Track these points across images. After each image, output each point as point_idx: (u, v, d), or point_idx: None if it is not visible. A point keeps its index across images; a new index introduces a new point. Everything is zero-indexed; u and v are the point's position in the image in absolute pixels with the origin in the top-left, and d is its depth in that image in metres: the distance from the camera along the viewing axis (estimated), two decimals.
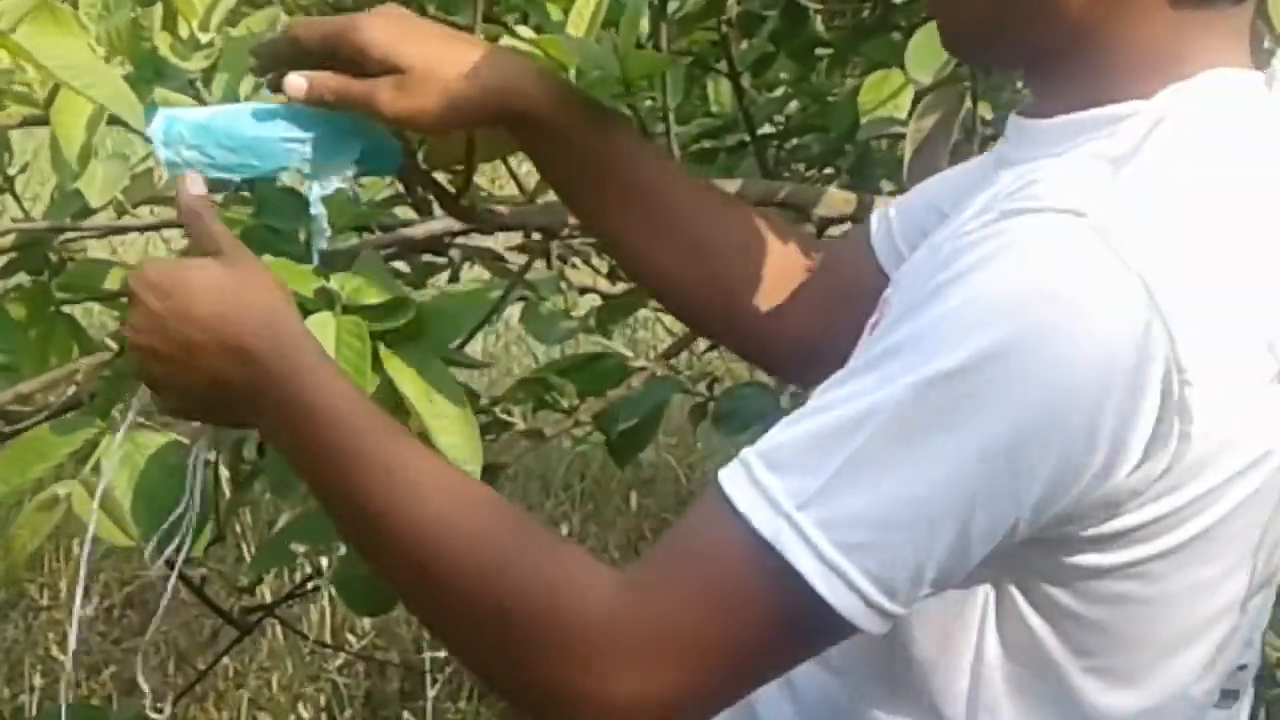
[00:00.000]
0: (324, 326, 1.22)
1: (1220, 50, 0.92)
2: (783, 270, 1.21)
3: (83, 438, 1.35)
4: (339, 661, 3.05)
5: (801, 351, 1.20)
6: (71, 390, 1.48)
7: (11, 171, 1.51)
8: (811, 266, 1.22)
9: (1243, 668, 1.02)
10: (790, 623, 0.86)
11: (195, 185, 1.13)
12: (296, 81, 1.14)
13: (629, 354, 1.74)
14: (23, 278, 1.56)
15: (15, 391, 1.38)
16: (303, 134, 1.18)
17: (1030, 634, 0.93)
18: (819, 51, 2.16)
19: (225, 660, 2.97)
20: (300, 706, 3.00)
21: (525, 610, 0.89)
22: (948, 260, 0.85)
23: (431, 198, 1.45)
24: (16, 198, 1.51)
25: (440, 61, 1.13)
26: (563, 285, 1.76)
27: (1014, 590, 0.92)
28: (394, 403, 1.22)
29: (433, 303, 1.48)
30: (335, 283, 1.26)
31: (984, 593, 0.93)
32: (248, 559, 3.12)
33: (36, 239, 1.49)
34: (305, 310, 1.26)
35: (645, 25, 1.57)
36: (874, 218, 1.20)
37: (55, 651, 3.09)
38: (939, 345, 0.83)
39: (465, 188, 1.38)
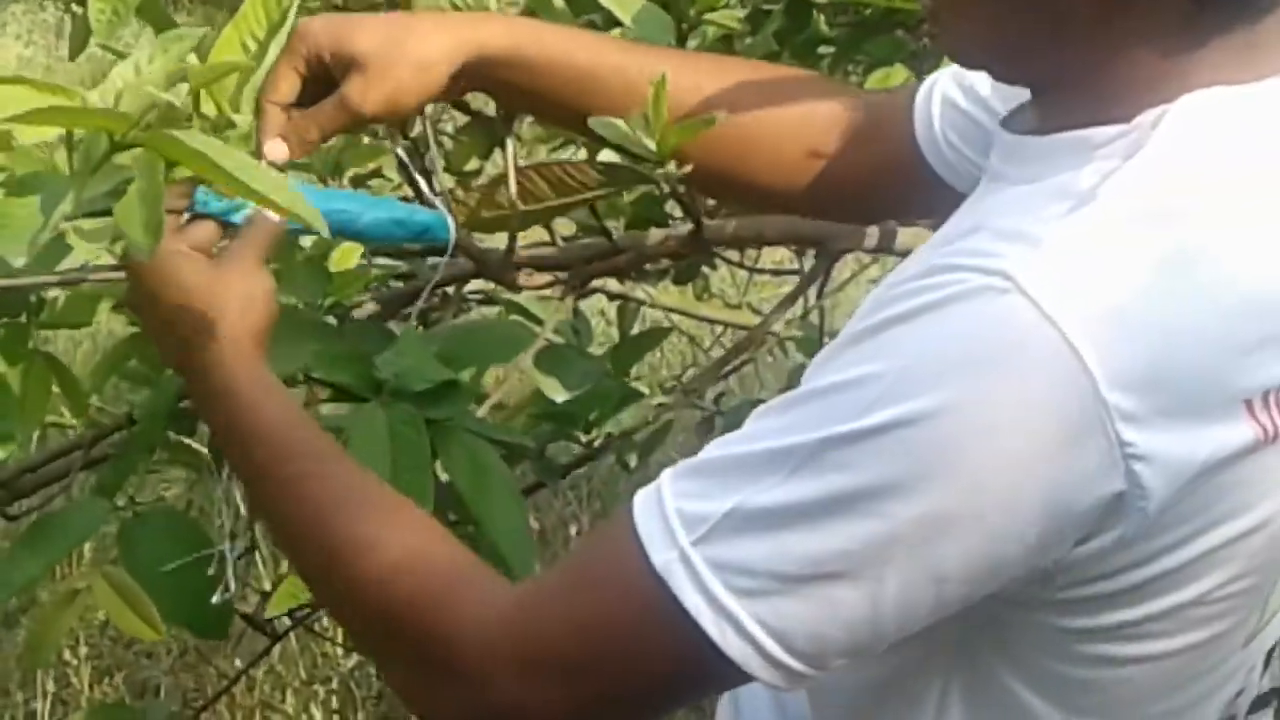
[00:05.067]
0: (372, 420, 1.19)
1: (1219, 66, 0.86)
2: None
3: (96, 523, 1.33)
4: (351, 663, 3.04)
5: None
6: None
7: None
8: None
9: (1240, 693, 0.99)
10: (679, 659, 0.83)
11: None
12: (277, 150, 1.13)
13: (645, 390, 1.71)
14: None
15: (19, 468, 1.35)
16: (360, 215, 1.18)
17: (1010, 695, 0.90)
18: (822, 50, 2.12)
19: (237, 661, 2.97)
20: (312, 707, 2.99)
21: (417, 620, 0.89)
22: (883, 303, 0.82)
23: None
24: None
25: (390, 43, 1.12)
26: (578, 326, 1.73)
27: (992, 648, 0.90)
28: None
29: (463, 341, 1.46)
30: (380, 366, 1.24)
31: (949, 653, 0.91)
32: (268, 562, 3.10)
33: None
34: (350, 396, 1.24)
35: None
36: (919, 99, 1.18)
37: (68, 655, 3.08)
38: (855, 401, 0.79)
39: (507, 258, 1.36)
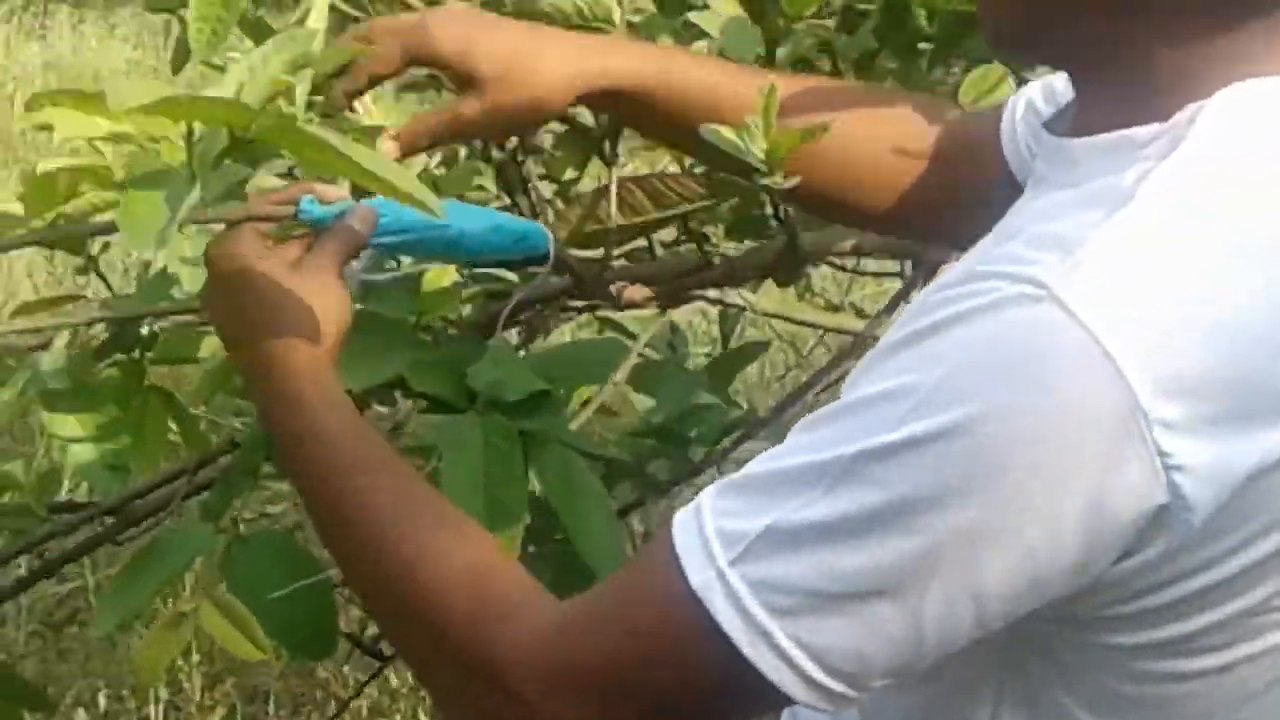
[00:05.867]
0: (465, 431, 1.18)
1: (1256, 56, 0.84)
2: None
3: (202, 547, 1.33)
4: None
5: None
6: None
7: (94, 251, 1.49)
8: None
9: None
10: (717, 680, 0.82)
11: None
12: (388, 148, 1.14)
13: (743, 406, 1.69)
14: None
15: (129, 492, 1.36)
16: (455, 224, 1.18)
17: (1067, 714, 0.88)
18: (922, 46, 2.09)
19: (345, 666, 2.99)
20: (420, 714, 3.00)
21: (466, 637, 0.90)
22: (919, 313, 0.80)
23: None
24: (101, 276, 1.49)
25: (513, 69, 1.13)
26: (675, 342, 1.72)
27: (1044, 666, 0.87)
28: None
29: (558, 361, 1.45)
30: (473, 377, 1.22)
31: (1001, 672, 0.89)
32: None
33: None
34: (444, 406, 1.23)
35: None
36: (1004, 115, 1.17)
37: (180, 661, 3.10)
38: (890, 413, 0.78)
39: (603, 273, 1.35)
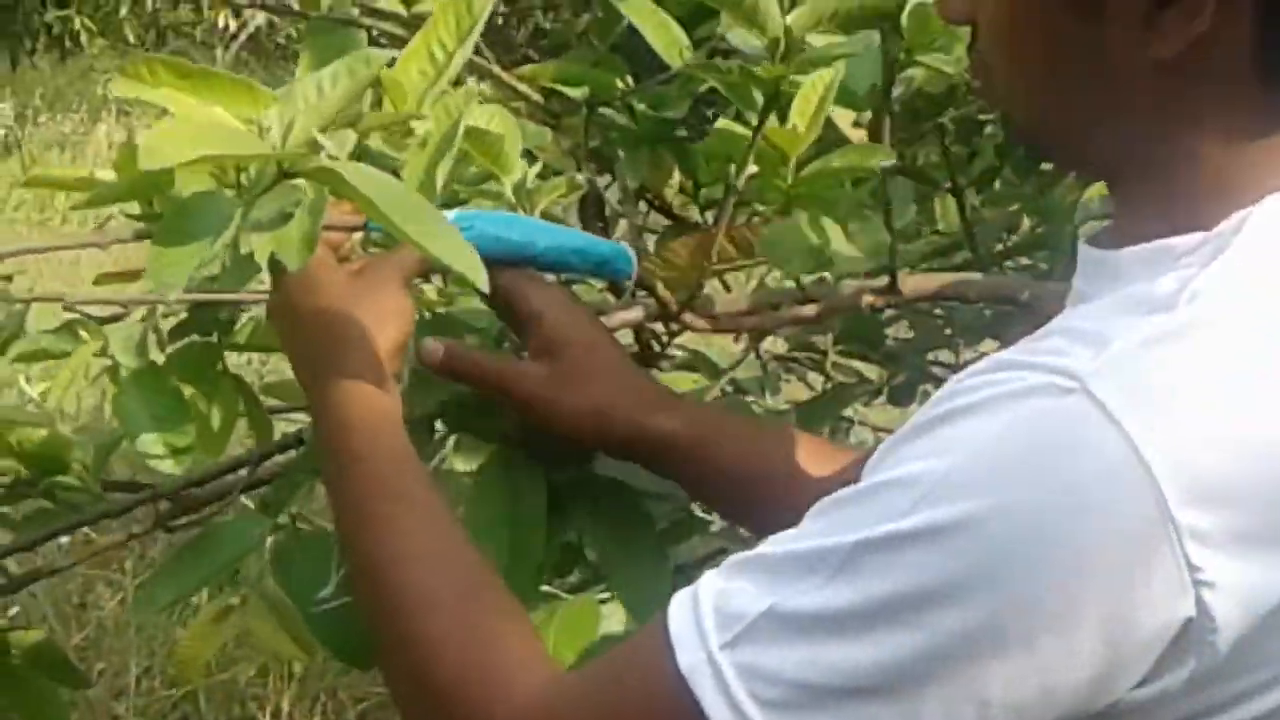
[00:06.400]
0: (494, 474, 1.20)
1: None
2: None
3: (255, 541, 1.26)
4: None
5: None
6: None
7: None
8: None
9: None
10: None
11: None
12: (432, 347, 1.13)
13: None
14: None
15: (185, 479, 1.30)
16: (534, 243, 1.16)
17: None
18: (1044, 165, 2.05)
19: None
20: None
21: (458, 693, 0.90)
22: (945, 397, 0.76)
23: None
24: None
25: (591, 364, 1.11)
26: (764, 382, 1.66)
27: None
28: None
29: None
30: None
31: None
32: None
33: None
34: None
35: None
36: None
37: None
38: (901, 500, 0.74)
39: (689, 302, 1.31)
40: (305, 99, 1.05)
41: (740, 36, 1.32)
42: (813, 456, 1.14)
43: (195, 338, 1.36)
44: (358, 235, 1.16)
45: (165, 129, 0.96)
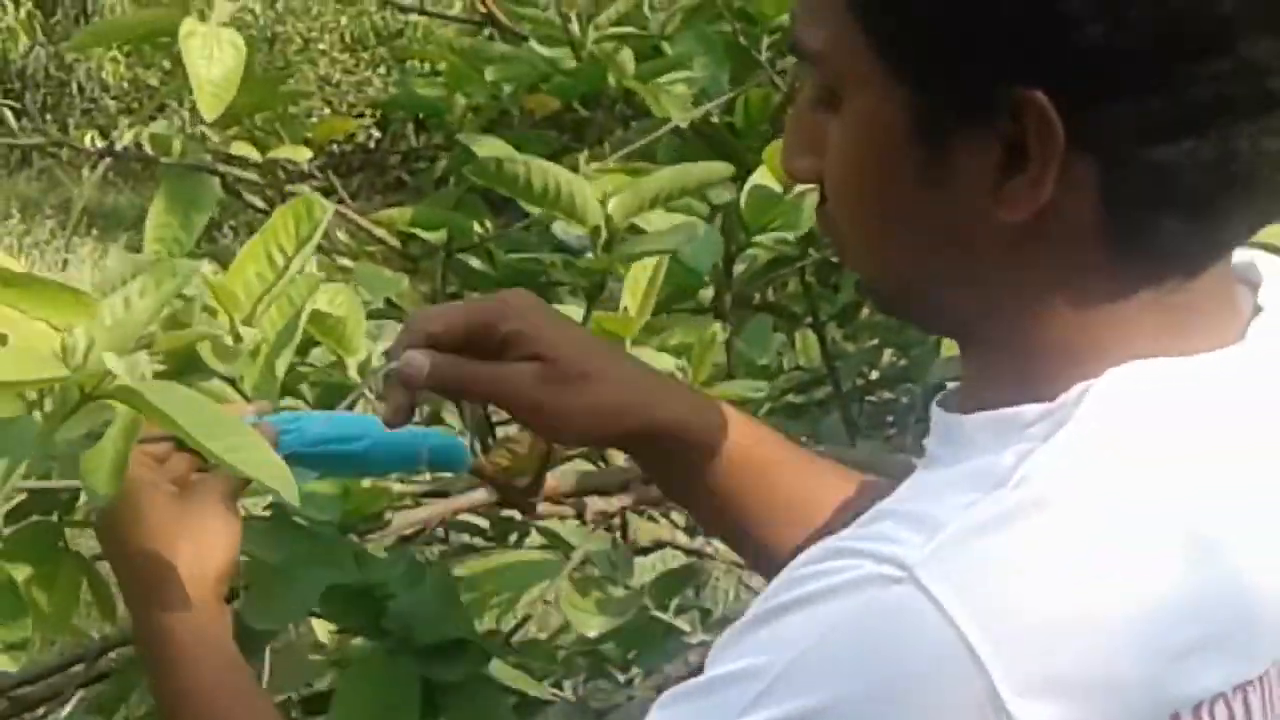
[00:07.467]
0: (367, 669, 1.16)
1: (1149, 334, 0.77)
2: None
3: None
4: None
5: None
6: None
7: None
8: None
9: None
10: None
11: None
12: (418, 363, 1.00)
13: (687, 628, 1.63)
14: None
15: (19, 679, 1.29)
16: (360, 438, 1.13)
17: None
18: None
19: None
20: None
21: None
22: (781, 587, 0.74)
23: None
24: None
25: (585, 358, 1.02)
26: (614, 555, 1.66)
27: None
28: None
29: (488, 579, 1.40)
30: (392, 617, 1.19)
31: None
32: None
33: None
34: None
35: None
36: None
37: None
38: (738, 697, 0.72)
39: (535, 491, 1.31)
40: (112, 314, 1.06)
41: (562, 228, 1.32)
42: (813, 459, 1.11)
43: (36, 517, 1.35)
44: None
45: None
